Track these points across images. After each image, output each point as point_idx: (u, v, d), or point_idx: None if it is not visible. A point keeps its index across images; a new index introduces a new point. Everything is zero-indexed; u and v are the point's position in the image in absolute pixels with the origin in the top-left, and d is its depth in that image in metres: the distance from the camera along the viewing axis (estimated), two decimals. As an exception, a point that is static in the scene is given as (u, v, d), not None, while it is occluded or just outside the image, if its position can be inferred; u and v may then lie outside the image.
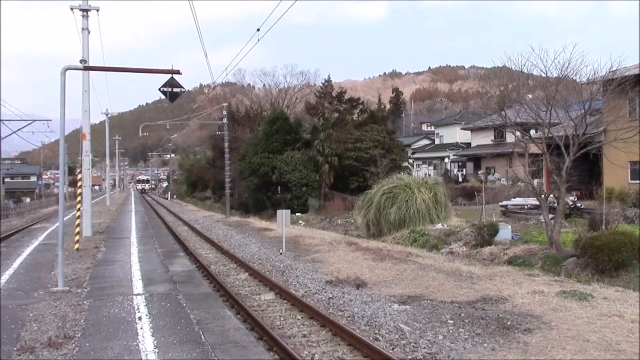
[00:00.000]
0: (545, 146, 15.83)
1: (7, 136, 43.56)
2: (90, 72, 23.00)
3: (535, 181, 20.51)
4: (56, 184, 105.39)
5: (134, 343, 7.22)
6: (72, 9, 22.16)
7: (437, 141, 64.82)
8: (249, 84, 77.49)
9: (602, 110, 21.12)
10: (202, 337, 7.53)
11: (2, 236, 22.56)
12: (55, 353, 6.93)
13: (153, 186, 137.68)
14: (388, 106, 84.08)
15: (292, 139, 42.10)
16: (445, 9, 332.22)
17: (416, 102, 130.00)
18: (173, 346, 7.09)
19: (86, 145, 22.53)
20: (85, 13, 22.09)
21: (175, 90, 13.38)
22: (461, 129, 56.41)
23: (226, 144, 42.55)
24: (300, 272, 13.51)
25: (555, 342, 7.38)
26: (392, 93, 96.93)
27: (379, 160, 35.38)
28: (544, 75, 16.52)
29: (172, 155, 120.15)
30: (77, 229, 17.59)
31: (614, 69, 16.30)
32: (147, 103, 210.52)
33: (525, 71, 17.23)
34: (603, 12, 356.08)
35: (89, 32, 22.08)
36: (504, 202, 25.96)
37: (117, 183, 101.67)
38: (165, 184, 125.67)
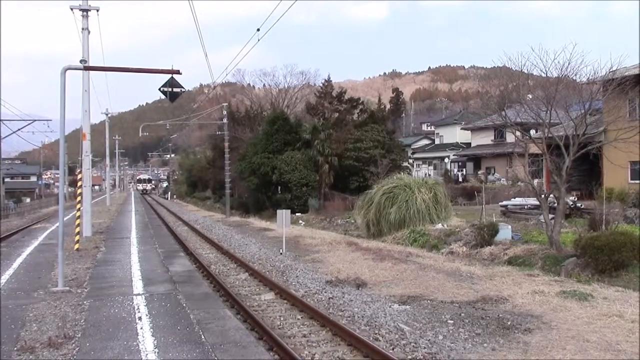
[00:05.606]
0: (545, 146, 15.82)
1: (7, 136, 43.63)
2: (90, 72, 23.01)
3: (535, 181, 20.53)
4: (56, 184, 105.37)
5: (134, 343, 7.23)
6: (72, 9, 22.17)
7: (437, 141, 64.84)
8: (249, 84, 77.24)
9: (602, 110, 21.11)
10: (202, 337, 7.53)
11: (2, 236, 22.57)
12: (55, 353, 6.93)
13: (154, 186, 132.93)
14: (388, 106, 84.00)
15: (292, 139, 42.09)
16: (445, 9, 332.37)
17: (416, 102, 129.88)
18: (173, 346, 7.10)
19: (86, 145, 22.54)
20: (85, 13, 22.10)
21: (175, 90, 13.39)
22: (461, 129, 56.42)
23: (226, 144, 42.59)
24: (300, 272, 13.51)
25: (555, 342, 7.39)
26: (392, 93, 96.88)
27: (379, 160, 35.34)
28: (544, 75, 16.52)
29: (172, 155, 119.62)
30: (77, 229, 17.60)
31: (614, 69, 16.28)
32: (147, 103, 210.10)
33: (525, 71, 17.25)
34: (603, 12, 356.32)
35: (89, 32, 22.09)
36: (504, 202, 25.95)
37: (117, 183, 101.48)
38: (165, 184, 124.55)
